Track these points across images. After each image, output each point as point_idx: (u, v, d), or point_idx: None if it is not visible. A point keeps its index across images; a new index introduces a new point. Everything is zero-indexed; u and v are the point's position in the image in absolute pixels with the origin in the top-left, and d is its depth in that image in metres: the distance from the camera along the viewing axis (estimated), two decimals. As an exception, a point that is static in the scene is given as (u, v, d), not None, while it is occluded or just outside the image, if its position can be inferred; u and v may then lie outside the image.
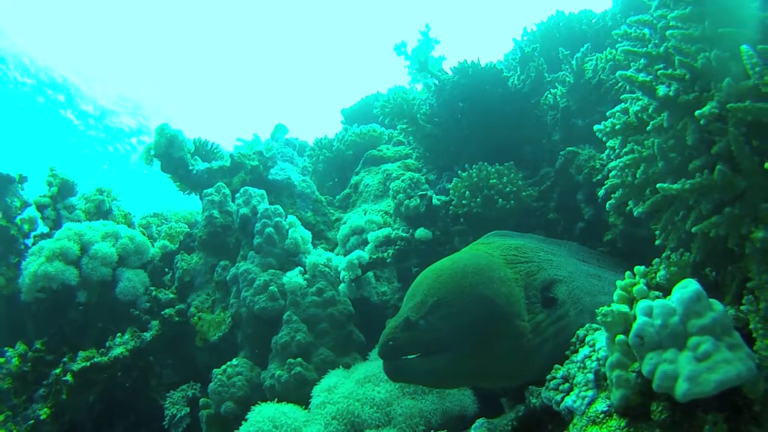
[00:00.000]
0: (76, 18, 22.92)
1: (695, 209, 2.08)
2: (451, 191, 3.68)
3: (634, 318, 1.90)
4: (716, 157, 2.01)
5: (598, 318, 2.02)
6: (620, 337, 1.95)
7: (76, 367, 4.22)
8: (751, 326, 1.90)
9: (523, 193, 3.56)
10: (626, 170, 2.35)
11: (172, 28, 25.53)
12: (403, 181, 3.78)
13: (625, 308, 1.99)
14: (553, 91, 4.13)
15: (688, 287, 1.86)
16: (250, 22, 26.69)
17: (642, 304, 1.89)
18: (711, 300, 1.88)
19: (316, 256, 4.00)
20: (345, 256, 3.88)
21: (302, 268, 4.02)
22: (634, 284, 2.11)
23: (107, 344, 4.36)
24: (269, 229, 4.16)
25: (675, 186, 2.03)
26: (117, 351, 4.33)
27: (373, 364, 3.43)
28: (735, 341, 1.79)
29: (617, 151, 2.49)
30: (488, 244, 2.99)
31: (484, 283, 2.54)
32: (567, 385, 2.37)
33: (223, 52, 26.97)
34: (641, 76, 2.17)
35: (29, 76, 21.68)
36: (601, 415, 2.08)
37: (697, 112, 1.94)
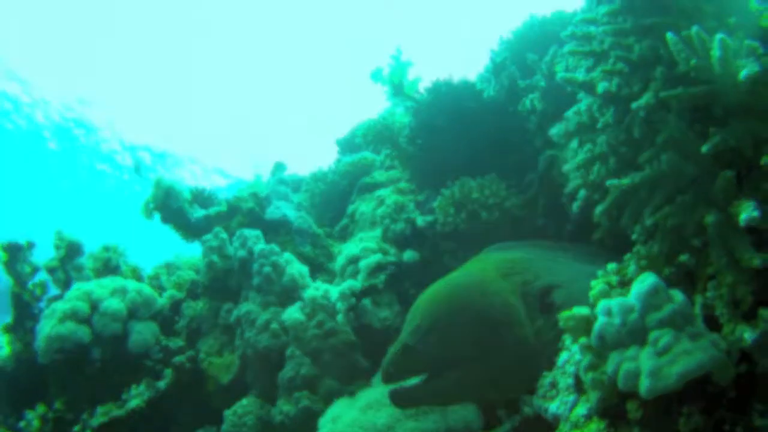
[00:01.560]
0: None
1: (650, 201, 2.06)
2: (436, 210, 3.69)
3: (596, 319, 1.88)
4: (664, 147, 2.01)
5: (560, 323, 2.01)
6: (582, 339, 1.93)
7: (95, 422, 4.30)
8: (717, 312, 1.87)
9: (507, 203, 3.56)
10: (582, 170, 2.35)
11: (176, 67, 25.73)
12: (387, 206, 3.81)
13: (585, 310, 1.98)
14: (531, 96, 4.13)
15: (645, 281, 1.84)
16: (248, 56, 26.99)
17: (601, 304, 1.88)
18: (672, 291, 1.86)
19: (314, 290, 4.04)
20: (343, 285, 3.91)
21: (302, 303, 4.05)
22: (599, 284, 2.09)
23: (123, 397, 4.44)
24: (266, 269, 4.22)
25: (625, 180, 2.02)
26: (133, 403, 4.40)
27: (376, 390, 3.43)
28: (697, 330, 1.76)
29: (577, 151, 2.50)
30: (483, 260, 3.05)
31: (476, 299, 2.63)
32: (554, 391, 2.36)
33: (224, 92, 27.23)
34: (581, 76, 2.19)
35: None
36: (582, 419, 2.05)
37: (633, 105, 1.95)
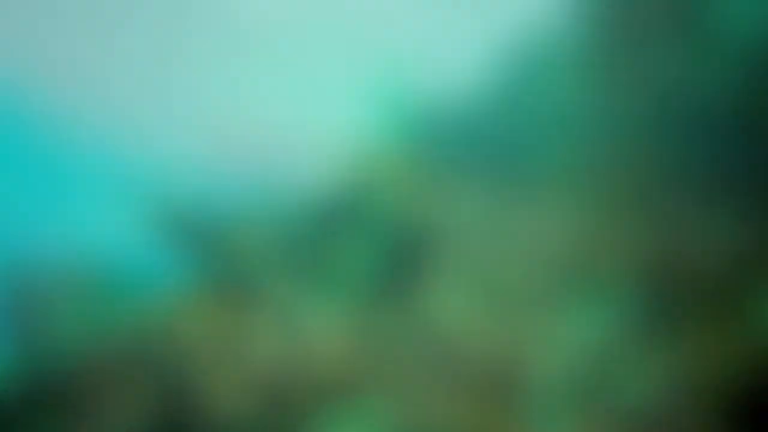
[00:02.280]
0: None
1: (630, 217, 2.07)
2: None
3: (575, 343, 1.88)
4: (644, 163, 2.01)
5: (542, 339, 2.01)
6: (563, 354, 1.92)
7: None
8: (698, 324, 1.86)
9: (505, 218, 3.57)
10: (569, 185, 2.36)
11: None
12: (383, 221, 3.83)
13: (565, 332, 1.97)
14: (531, 108, 4.15)
15: (622, 296, 1.84)
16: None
17: (578, 326, 1.88)
18: (647, 314, 1.85)
19: (310, 309, 4.06)
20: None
21: (299, 323, 4.08)
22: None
23: (123, 419, 4.46)
24: (264, 287, 4.25)
25: (604, 197, 2.03)
26: (135, 424, 4.42)
27: (375, 402, 3.44)
28: (667, 356, 1.75)
29: (566, 167, 2.50)
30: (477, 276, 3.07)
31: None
32: (542, 408, 2.35)
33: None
34: (567, 91, 2.20)
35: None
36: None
37: (614, 122, 1.95)
